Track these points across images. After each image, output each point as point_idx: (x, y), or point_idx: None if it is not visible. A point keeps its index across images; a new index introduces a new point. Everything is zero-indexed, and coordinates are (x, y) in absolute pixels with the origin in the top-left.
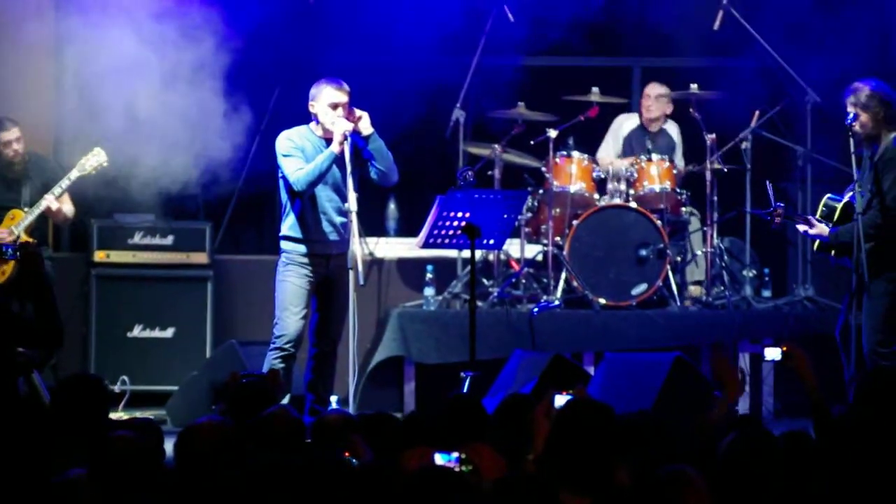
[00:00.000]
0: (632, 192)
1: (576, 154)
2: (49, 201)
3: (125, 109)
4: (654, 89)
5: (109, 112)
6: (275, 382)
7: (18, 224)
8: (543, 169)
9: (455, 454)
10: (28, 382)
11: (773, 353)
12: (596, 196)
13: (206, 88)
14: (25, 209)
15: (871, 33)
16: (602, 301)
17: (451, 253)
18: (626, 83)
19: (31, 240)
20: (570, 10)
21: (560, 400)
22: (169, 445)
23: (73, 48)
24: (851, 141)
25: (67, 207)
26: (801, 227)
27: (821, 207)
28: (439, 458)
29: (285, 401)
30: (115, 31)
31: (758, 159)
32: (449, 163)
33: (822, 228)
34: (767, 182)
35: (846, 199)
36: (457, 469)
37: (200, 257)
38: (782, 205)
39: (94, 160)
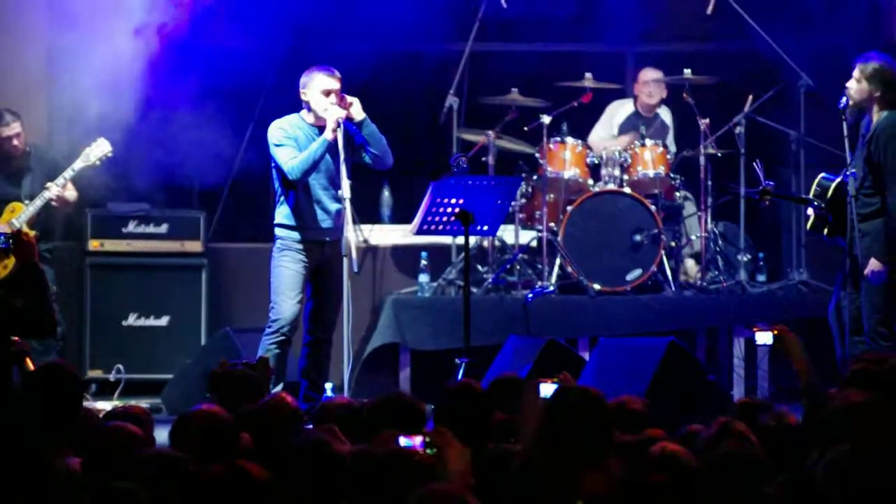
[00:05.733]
0: (626, 177)
1: (569, 140)
2: (54, 192)
3: (117, 99)
4: (651, 74)
5: (101, 101)
6: (265, 371)
7: (19, 217)
8: (537, 155)
9: (419, 438)
10: (22, 372)
11: (764, 338)
12: (590, 182)
13: (200, 76)
14: (26, 202)
15: (863, 15)
16: (597, 286)
17: (446, 239)
18: (619, 69)
19: (32, 232)
20: None
21: (546, 388)
22: (164, 433)
23: (64, 38)
24: (844, 124)
25: (70, 193)
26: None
27: (814, 187)
28: (403, 442)
29: (279, 388)
30: (106, 21)
31: (751, 144)
32: (443, 149)
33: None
34: (756, 162)
35: (839, 179)
36: (423, 452)
37: (195, 245)
38: (772, 183)
39: (98, 150)
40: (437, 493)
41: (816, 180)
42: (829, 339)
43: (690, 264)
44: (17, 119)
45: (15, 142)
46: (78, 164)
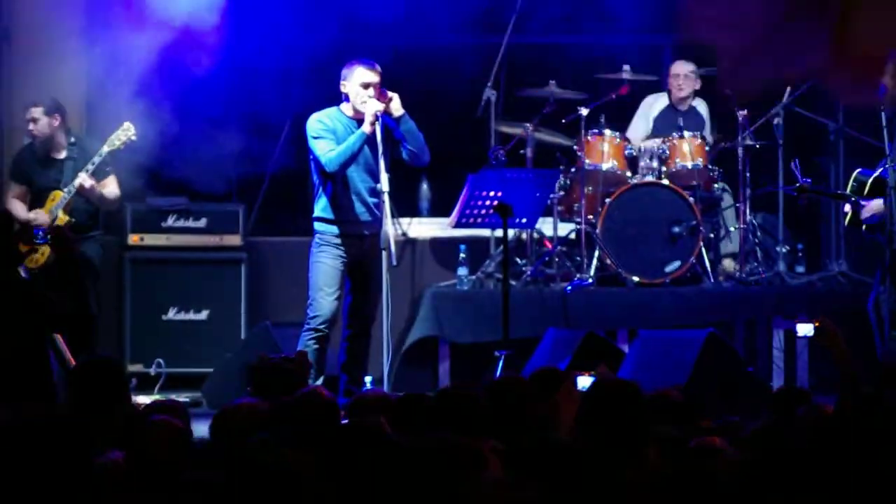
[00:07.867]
0: (664, 169)
1: (608, 132)
2: (81, 179)
3: (155, 93)
4: (682, 67)
5: (139, 93)
6: (303, 364)
7: (57, 203)
8: (575, 147)
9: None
10: (61, 364)
11: (805, 329)
12: (628, 174)
13: (238, 70)
14: (65, 189)
15: None
16: (635, 279)
17: (484, 232)
18: (656, 61)
19: (66, 218)
20: None
21: (583, 381)
22: (203, 427)
23: (103, 36)
24: (883, 115)
25: (109, 190)
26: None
27: (851, 183)
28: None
29: (318, 382)
30: (143, 16)
31: (790, 135)
32: (481, 142)
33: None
34: (794, 160)
35: (877, 173)
36: None
37: (234, 239)
38: (809, 180)
39: (122, 135)
40: (493, 484)
41: (853, 176)
42: (869, 331)
43: (728, 263)
44: (39, 107)
45: (31, 126)
46: (104, 150)
